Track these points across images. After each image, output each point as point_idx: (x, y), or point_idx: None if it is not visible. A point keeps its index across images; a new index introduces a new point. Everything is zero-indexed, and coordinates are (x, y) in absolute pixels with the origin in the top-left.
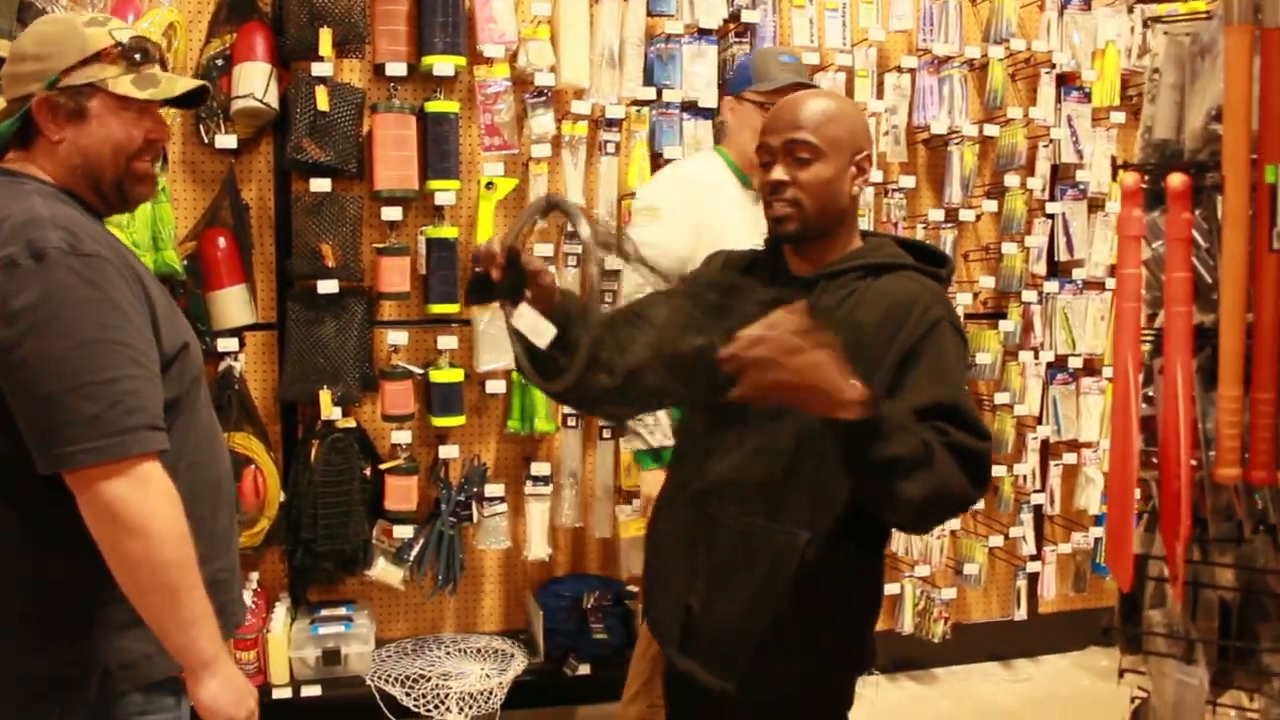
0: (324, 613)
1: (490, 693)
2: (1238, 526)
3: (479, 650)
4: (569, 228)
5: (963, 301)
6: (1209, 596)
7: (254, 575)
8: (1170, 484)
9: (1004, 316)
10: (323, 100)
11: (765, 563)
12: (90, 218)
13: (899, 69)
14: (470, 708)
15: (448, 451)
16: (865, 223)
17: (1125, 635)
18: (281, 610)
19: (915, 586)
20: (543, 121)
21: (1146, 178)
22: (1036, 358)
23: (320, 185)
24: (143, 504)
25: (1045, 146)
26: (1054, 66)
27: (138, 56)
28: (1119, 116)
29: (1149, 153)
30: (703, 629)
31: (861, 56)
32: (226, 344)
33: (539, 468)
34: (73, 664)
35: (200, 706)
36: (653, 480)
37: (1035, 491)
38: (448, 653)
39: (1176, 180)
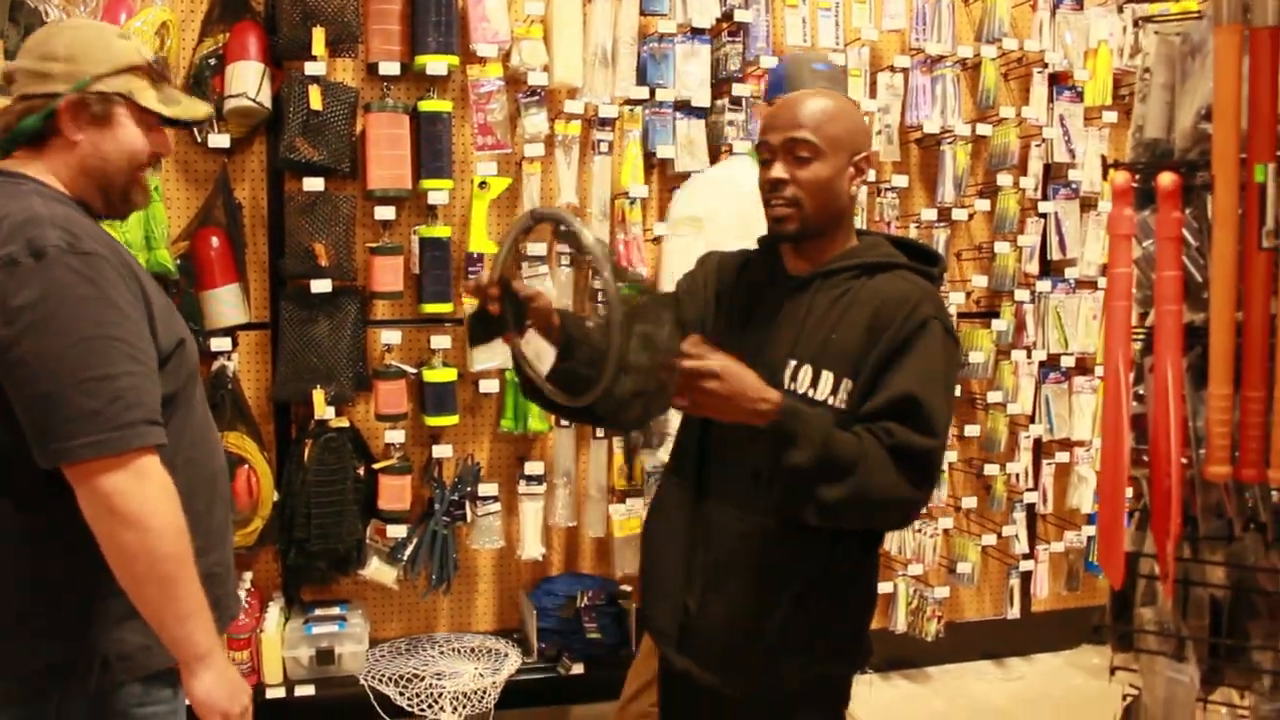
0: (318, 612)
1: (484, 692)
2: (1228, 524)
3: (473, 650)
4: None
5: (955, 301)
6: (1200, 594)
7: (247, 575)
8: (1161, 482)
9: (997, 315)
10: (316, 99)
11: (762, 562)
12: (88, 218)
13: (892, 68)
14: (464, 707)
15: (441, 451)
16: (859, 222)
17: (1117, 633)
18: (275, 610)
19: (908, 585)
20: (536, 121)
21: (1137, 177)
22: (1029, 357)
23: (313, 184)
24: (141, 497)
25: (1038, 146)
26: (1046, 66)
27: (161, 75)
28: (1111, 116)
29: (1140, 152)
30: (700, 629)
31: (854, 56)
32: (219, 343)
33: (533, 467)
34: (72, 655)
35: (195, 700)
36: None
37: (1028, 490)
38: (441, 652)
39: (1167, 179)
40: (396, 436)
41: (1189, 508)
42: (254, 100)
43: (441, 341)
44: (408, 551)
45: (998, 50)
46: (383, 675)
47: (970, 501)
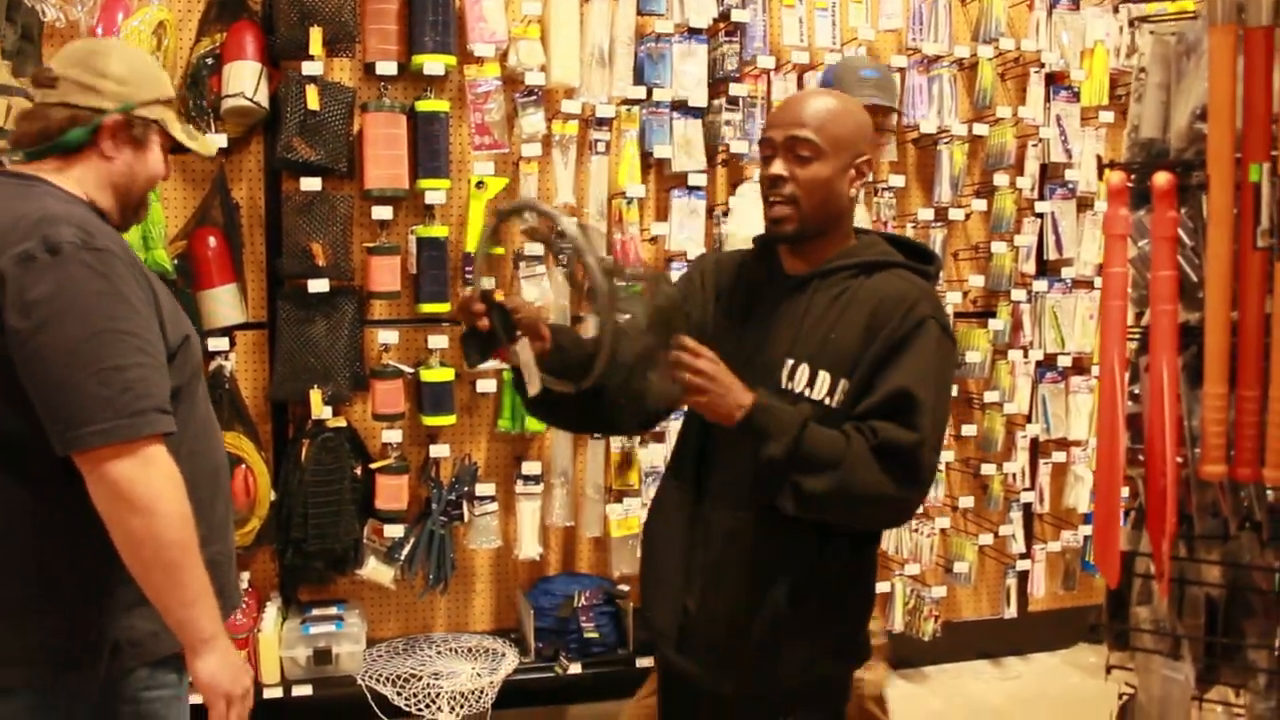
0: (315, 612)
1: (481, 692)
2: (1223, 523)
3: (470, 649)
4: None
5: (952, 300)
6: (1195, 593)
7: (245, 575)
8: (1156, 481)
9: (993, 315)
10: (313, 99)
11: (752, 559)
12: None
13: (888, 68)
14: (461, 707)
15: (438, 451)
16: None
17: (1112, 632)
18: (272, 610)
19: (905, 585)
20: (533, 120)
21: (1132, 176)
22: (1025, 356)
23: (311, 184)
24: (149, 484)
25: (1034, 146)
26: (1043, 66)
27: (181, 109)
28: (1108, 116)
29: (1135, 152)
30: (699, 629)
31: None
32: (217, 343)
33: (530, 467)
34: (84, 640)
35: (199, 682)
36: None
37: (1025, 490)
38: (439, 652)
39: (1162, 179)
40: (394, 436)
41: (1184, 507)
42: (251, 100)
43: (439, 341)
44: (405, 551)
45: (994, 50)
46: (380, 675)
47: (967, 501)
